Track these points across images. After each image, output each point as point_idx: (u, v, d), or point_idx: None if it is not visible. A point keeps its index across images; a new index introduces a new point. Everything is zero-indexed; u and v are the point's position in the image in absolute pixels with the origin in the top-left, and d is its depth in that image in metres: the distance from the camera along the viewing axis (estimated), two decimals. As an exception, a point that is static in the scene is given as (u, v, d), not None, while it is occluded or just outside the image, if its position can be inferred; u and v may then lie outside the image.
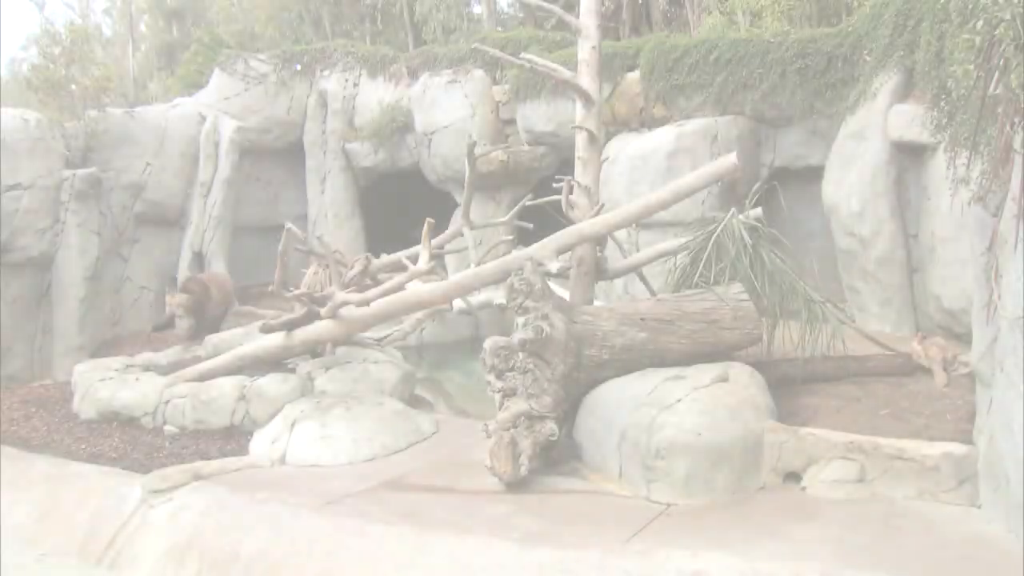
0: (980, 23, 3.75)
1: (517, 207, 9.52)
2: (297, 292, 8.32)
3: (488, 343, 6.37)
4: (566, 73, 7.95)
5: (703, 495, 5.42)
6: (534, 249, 7.33)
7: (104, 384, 8.44)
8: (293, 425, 7.21)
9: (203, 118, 14.22)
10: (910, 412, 5.94)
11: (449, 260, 13.04)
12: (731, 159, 6.88)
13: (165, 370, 9.23)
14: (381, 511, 5.42)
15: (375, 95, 16.01)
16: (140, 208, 13.01)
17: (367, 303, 7.73)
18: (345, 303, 7.89)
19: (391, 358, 9.13)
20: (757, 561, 4.05)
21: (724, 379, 6.06)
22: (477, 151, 11.21)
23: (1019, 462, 3.76)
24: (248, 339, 9.94)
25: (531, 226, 9.29)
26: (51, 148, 11.49)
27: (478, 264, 8.27)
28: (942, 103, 6.10)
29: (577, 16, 8.15)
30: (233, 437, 7.59)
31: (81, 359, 10.77)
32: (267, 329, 8.38)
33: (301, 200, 16.83)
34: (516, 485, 5.84)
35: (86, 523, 6.05)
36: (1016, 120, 3.75)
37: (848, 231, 9.43)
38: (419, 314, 9.56)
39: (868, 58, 9.87)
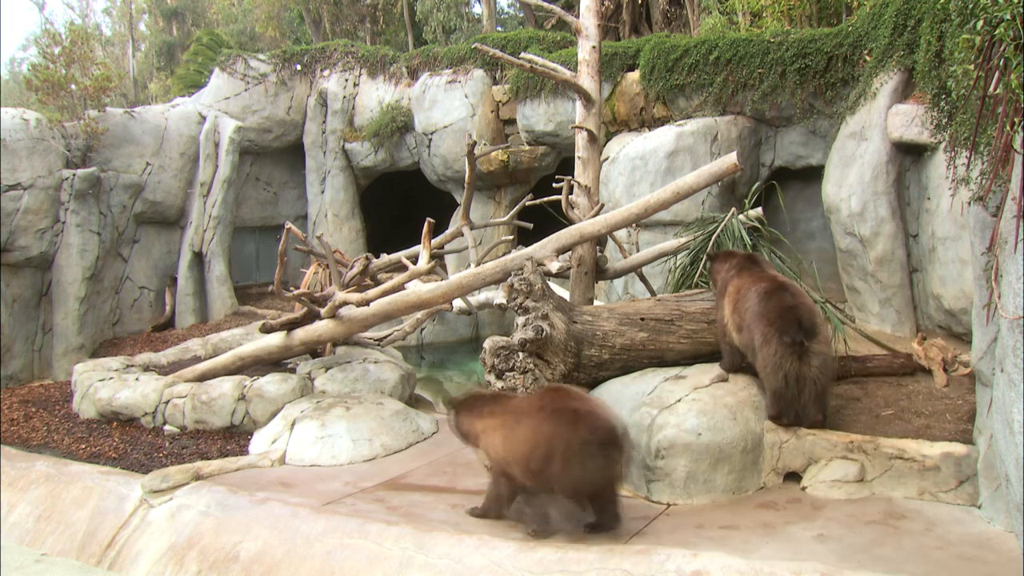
0: (980, 23, 3.75)
1: (517, 207, 9.52)
2: (297, 292, 8.32)
3: (488, 343, 6.37)
4: (566, 73, 7.95)
5: (703, 495, 5.43)
6: (534, 249, 7.33)
7: (104, 384, 8.45)
8: (293, 425, 7.22)
9: (203, 118, 14.24)
10: (910, 412, 5.94)
11: (449, 260, 13.07)
12: (731, 159, 6.87)
13: (165, 370, 9.24)
14: (381, 511, 5.42)
15: (375, 95, 16.04)
16: (140, 208, 13.03)
17: (367, 303, 7.73)
18: (345, 303, 7.89)
19: (391, 358, 9.13)
20: (757, 561, 4.04)
21: (724, 379, 6.06)
22: (477, 151, 11.23)
23: (1019, 462, 3.76)
24: (248, 339, 9.95)
25: (531, 226, 9.29)
26: (51, 148, 11.51)
27: (478, 264, 8.27)
28: (942, 103, 6.09)
29: (577, 16, 8.15)
30: (233, 437, 7.59)
31: (81, 359, 10.81)
32: (267, 329, 8.38)
33: (301, 200, 16.87)
34: (516, 485, 5.83)
35: (86, 523, 6.05)
36: (1016, 120, 3.75)
37: (848, 231, 9.43)
38: (419, 314, 9.56)
39: (868, 58, 9.87)
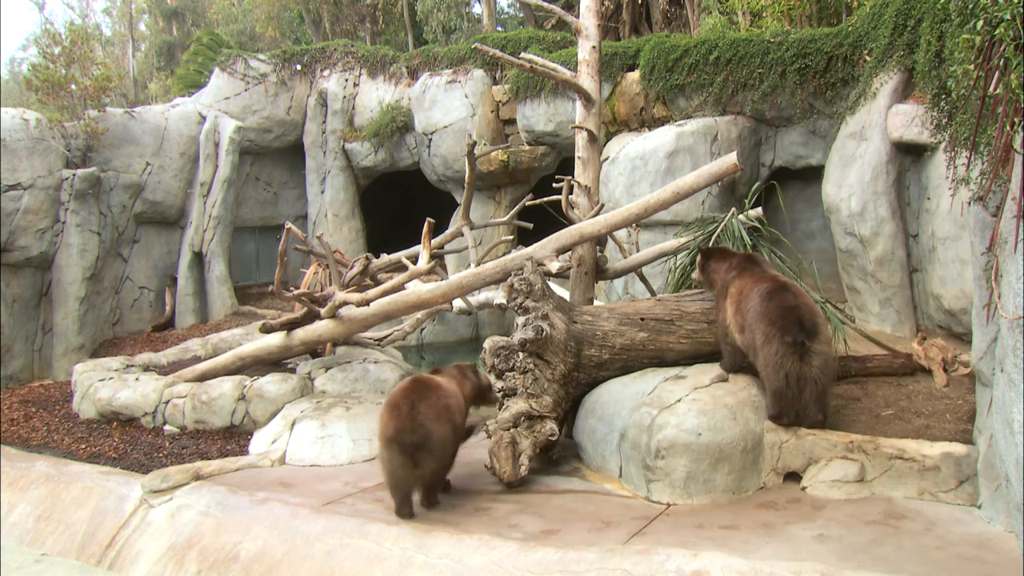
0: (980, 23, 3.75)
1: (517, 207, 9.52)
2: (297, 292, 8.32)
3: (488, 343, 6.37)
4: (566, 73, 7.95)
5: (703, 495, 5.43)
6: (534, 249, 7.32)
7: (104, 384, 8.45)
8: (293, 425, 7.22)
9: (203, 118, 14.25)
10: (910, 412, 5.94)
11: (449, 260, 13.07)
12: (731, 159, 6.87)
13: (165, 370, 9.24)
14: (381, 511, 5.42)
15: (375, 95, 16.04)
16: (140, 208, 13.04)
17: (367, 303, 7.73)
18: (345, 303, 7.89)
19: (391, 358, 9.13)
20: (757, 561, 4.04)
21: (724, 379, 6.06)
22: (477, 151, 11.23)
23: (1019, 462, 3.76)
24: (248, 339, 9.95)
25: (531, 226, 9.30)
26: (51, 148, 11.51)
27: (478, 264, 8.27)
28: (942, 103, 6.09)
29: (577, 16, 8.15)
30: (233, 437, 7.59)
31: (81, 359, 10.82)
32: (267, 329, 8.38)
33: (301, 200, 16.88)
34: (516, 485, 5.84)
35: (86, 523, 6.05)
36: (1016, 120, 3.75)
37: (848, 231, 9.43)
38: (419, 314, 9.56)
39: (868, 58, 9.87)
